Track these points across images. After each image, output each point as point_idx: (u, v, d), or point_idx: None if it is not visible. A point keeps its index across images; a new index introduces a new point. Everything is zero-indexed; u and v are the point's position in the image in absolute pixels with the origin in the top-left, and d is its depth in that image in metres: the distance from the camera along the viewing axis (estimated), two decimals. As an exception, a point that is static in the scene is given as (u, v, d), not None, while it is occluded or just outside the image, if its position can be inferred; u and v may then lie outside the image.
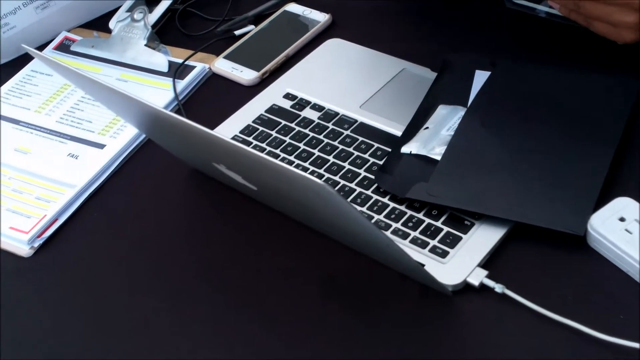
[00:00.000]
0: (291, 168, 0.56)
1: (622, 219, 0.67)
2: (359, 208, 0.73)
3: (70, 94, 0.93)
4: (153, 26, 0.98)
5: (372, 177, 0.76)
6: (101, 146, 0.85)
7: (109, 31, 1.00)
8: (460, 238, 0.69)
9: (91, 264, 0.75)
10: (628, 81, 0.79)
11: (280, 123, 0.83)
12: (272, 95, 0.87)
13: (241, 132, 0.83)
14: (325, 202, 0.59)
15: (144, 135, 0.86)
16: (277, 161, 0.56)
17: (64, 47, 0.99)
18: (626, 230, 0.67)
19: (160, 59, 0.94)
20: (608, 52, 0.83)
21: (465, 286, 0.67)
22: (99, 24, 1.02)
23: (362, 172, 0.76)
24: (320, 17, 0.96)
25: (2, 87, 0.95)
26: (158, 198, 0.80)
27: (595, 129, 0.75)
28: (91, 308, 0.71)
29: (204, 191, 0.79)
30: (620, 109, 0.77)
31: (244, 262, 0.72)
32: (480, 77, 0.82)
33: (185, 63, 0.93)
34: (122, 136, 0.86)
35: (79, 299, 0.72)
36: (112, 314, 0.71)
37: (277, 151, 0.80)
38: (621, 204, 0.69)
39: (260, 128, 0.83)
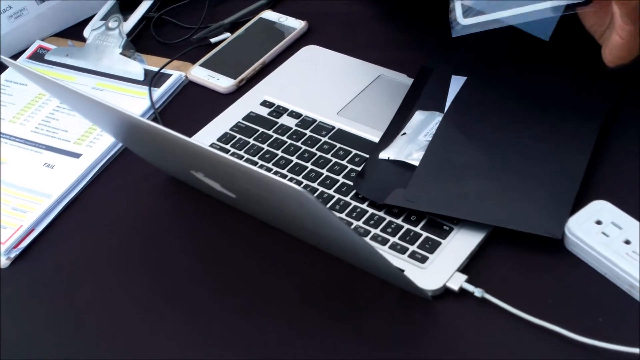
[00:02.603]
0: (270, 175, 0.56)
1: (598, 222, 0.68)
2: (338, 214, 0.73)
3: (45, 103, 0.92)
4: (128, 34, 0.97)
5: (351, 183, 0.76)
6: (77, 155, 0.85)
7: (83, 40, 0.99)
8: (439, 243, 0.69)
9: (68, 275, 0.74)
10: (604, 85, 0.80)
11: (258, 130, 0.83)
12: (249, 103, 0.87)
13: (219, 139, 0.83)
14: (305, 209, 0.59)
15: (120, 144, 0.85)
16: (255, 168, 0.56)
17: (38, 56, 0.98)
18: (603, 233, 0.67)
19: (135, 68, 0.93)
20: (587, 61, 0.84)
21: (445, 291, 0.67)
22: (74, 32, 1.02)
23: (341, 179, 0.77)
24: (297, 24, 0.96)
25: (-25, 97, 0.94)
26: (135, 207, 0.79)
27: (571, 131, 0.76)
28: (69, 318, 0.71)
29: (182, 199, 0.79)
30: (596, 113, 0.77)
31: (222, 270, 0.72)
32: (457, 83, 0.82)
33: (161, 71, 0.93)
34: (98, 145, 0.85)
35: (56, 310, 0.72)
36: (90, 324, 0.70)
37: (255, 158, 0.80)
38: (597, 207, 0.69)
39: (238, 135, 0.83)
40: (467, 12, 0.74)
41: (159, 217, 0.78)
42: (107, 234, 0.77)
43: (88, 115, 0.79)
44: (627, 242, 0.66)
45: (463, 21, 0.74)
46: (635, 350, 0.61)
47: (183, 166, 0.74)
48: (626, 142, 0.76)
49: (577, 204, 0.69)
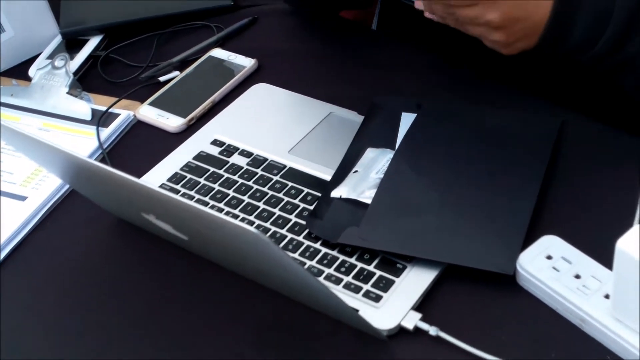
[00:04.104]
0: (223, 217, 0.55)
1: (549, 257, 0.69)
2: (291, 254, 0.72)
3: (-12, 144, 0.90)
4: (75, 73, 0.96)
5: (303, 222, 0.75)
6: (22, 198, 0.83)
7: (28, 79, 0.97)
8: (393, 282, 0.69)
9: (13, 323, 0.72)
10: (548, 119, 0.82)
11: (209, 170, 0.82)
12: (200, 142, 0.86)
13: (169, 180, 0.82)
14: (259, 251, 0.59)
15: (67, 186, 0.83)
16: (208, 210, 0.55)
17: (-19, 96, 0.96)
18: (553, 268, 0.68)
19: (82, 107, 0.92)
20: (529, 87, 0.86)
21: (400, 330, 0.67)
22: (18, 71, 1.00)
23: (293, 218, 0.76)
24: (246, 62, 0.96)
25: None
26: (82, 251, 0.77)
27: (519, 167, 0.77)
28: (15, 369, 0.69)
29: (132, 242, 0.77)
30: (542, 147, 0.79)
31: (175, 314, 0.71)
32: (407, 119, 0.83)
33: (109, 110, 0.92)
34: (44, 187, 0.83)
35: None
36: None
37: (206, 199, 0.79)
38: (547, 242, 0.70)
39: (188, 175, 0.82)
40: None
41: (108, 261, 0.77)
42: (53, 280, 0.75)
43: (34, 156, 0.78)
44: (577, 276, 0.67)
45: None
46: (588, 385, 0.61)
47: (133, 208, 0.73)
48: (573, 176, 0.78)
49: (528, 239, 0.70)
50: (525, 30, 0.74)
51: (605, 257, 0.66)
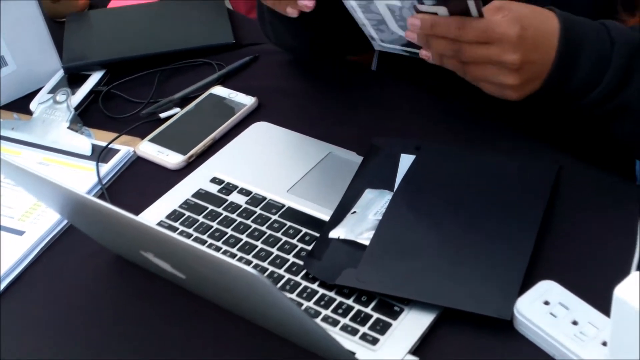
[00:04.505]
0: (223, 257, 0.55)
1: (546, 303, 0.69)
2: (288, 295, 0.72)
3: (-13, 177, 0.90)
4: (76, 108, 0.97)
5: (301, 262, 0.75)
6: (20, 233, 0.83)
7: (29, 113, 0.98)
8: (390, 324, 0.69)
9: (11, 358, 0.72)
10: (546, 164, 0.82)
11: (207, 208, 0.82)
12: (199, 180, 0.86)
13: (167, 217, 0.82)
14: (258, 292, 0.59)
15: (66, 221, 0.83)
16: (207, 249, 0.56)
17: (-18, 130, 0.97)
18: (551, 313, 0.68)
19: (83, 142, 0.92)
20: (527, 129, 0.87)
21: (397, 374, 0.67)
22: (20, 105, 1.00)
23: (291, 258, 0.76)
24: (247, 100, 0.96)
25: None
26: (80, 288, 0.77)
27: (517, 211, 0.77)
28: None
29: (129, 279, 0.77)
30: (540, 192, 0.79)
31: (170, 352, 0.70)
32: (406, 161, 0.83)
33: (110, 146, 0.92)
34: (42, 222, 0.83)
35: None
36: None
37: (204, 237, 0.79)
38: (545, 287, 0.70)
39: (187, 213, 0.82)
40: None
41: (103, 298, 0.76)
42: (49, 316, 0.75)
43: (33, 191, 0.78)
44: (575, 322, 0.67)
45: (381, 44, 0.81)
46: None
47: (131, 245, 0.73)
48: (570, 222, 0.78)
49: (525, 284, 0.70)
50: (536, 73, 0.74)
51: (602, 303, 0.66)
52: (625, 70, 0.75)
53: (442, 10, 0.71)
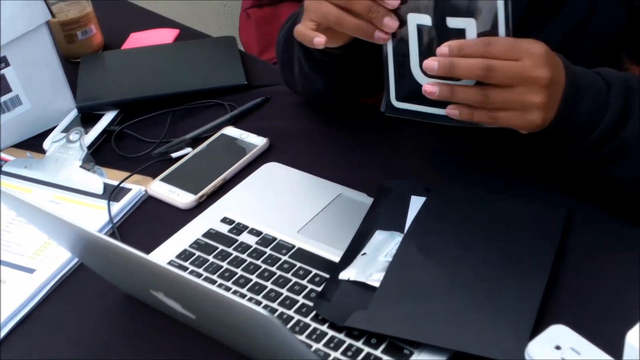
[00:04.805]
0: (234, 297, 0.55)
1: (557, 347, 0.68)
2: (297, 336, 0.72)
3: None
4: (89, 147, 0.97)
5: (311, 304, 0.75)
6: (31, 271, 0.83)
7: (42, 151, 0.99)
8: (400, 367, 0.69)
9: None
10: (556, 207, 0.82)
11: (218, 248, 0.83)
12: (209, 219, 0.87)
13: (177, 256, 0.82)
14: (268, 333, 0.58)
15: (76, 259, 0.84)
16: (220, 290, 0.56)
17: (-5, 168, 0.97)
18: (562, 358, 0.67)
19: (95, 181, 0.93)
20: (536, 174, 0.87)
21: (406, 418, 0.66)
22: (33, 144, 1.01)
23: (301, 299, 0.76)
24: (258, 141, 0.97)
25: None
26: (89, 327, 0.77)
27: (528, 254, 0.77)
28: None
29: (139, 318, 0.77)
30: (550, 235, 0.79)
31: (178, 394, 0.70)
32: (416, 203, 0.84)
33: (121, 185, 0.92)
34: (53, 260, 0.84)
35: None
36: None
37: (214, 277, 0.79)
38: (556, 332, 0.69)
39: (197, 253, 0.82)
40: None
41: (113, 337, 0.76)
42: (58, 355, 0.75)
43: (44, 228, 0.78)
44: (586, 367, 0.66)
45: (396, 103, 0.74)
46: None
47: (142, 284, 0.73)
48: (580, 266, 0.78)
49: (536, 328, 0.70)
50: (557, 94, 0.73)
51: (614, 348, 0.65)
52: (622, 109, 0.76)
53: (470, 29, 0.70)
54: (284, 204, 0.88)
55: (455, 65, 0.70)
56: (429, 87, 0.72)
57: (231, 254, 0.82)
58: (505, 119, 0.72)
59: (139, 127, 1.02)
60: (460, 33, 0.71)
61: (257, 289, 0.77)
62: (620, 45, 0.84)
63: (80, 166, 0.95)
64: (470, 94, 0.71)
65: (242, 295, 0.77)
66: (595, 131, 0.76)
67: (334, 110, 1.02)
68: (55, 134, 1.00)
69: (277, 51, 1.00)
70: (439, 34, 0.72)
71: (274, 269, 0.79)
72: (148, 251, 0.82)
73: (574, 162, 0.81)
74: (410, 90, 0.74)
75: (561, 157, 0.82)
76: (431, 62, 0.70)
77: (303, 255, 0.81)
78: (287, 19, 1.00)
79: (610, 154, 0.78)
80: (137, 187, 0.92)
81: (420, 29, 0.72)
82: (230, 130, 0.99)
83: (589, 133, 0.76)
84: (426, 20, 0.72)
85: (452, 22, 0.71)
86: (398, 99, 0.73)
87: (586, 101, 0.75)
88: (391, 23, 0.72)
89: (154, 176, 0.94)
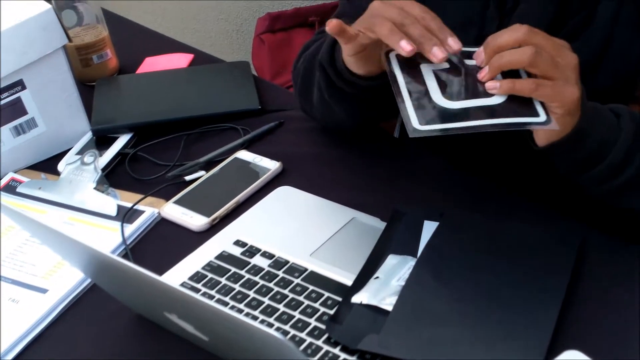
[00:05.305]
0: (248, 320, 0.55)
1: (572, 373, 0.68)
2: (310, 359, 0.72)
3: (13, 235, 0.91)
4: (103, 169, 0.98)
5: (323, 327, 0.75)
6: (44, 291, 0.83)
7: (57, 173, 0.99)
8: (413, 391, 0.68)
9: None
10: (570, 233, 0.82)
11: (230, 270, 0.83)
12: (222, 242, 0.87)
13: (190, 278, 0.82)
14: (282, 355, 0.58)
15: (89, 280, 0.84)
16: (233, 312, 0.56)
17: (10, 189, 0.98)
18: (577, 384, 0.67)
19: (108, 203, 0.94)
20: (548, 201, 0.87)
21: None
22: (48, 165, 1.02)
23: (313, 322, 0.76)
24: (271, 165, 0.97)
25: (-58, 227, 0.92)
26: (101, 348, 0.77)
27: (541, 280, 0.77)
28: None
29: (151, 340, 0.77)
30: (564, 261, 0.79)
31: (190, 416, 0.70)
32: (429, 228, 0.84)
33: (135, 207, 0.93)
34: (66, 281, 0.84)
35: None
36: None
37: (227, 299, 0.79)
38: (570, 357, 0.69)
39: (210, 275, 0.82)
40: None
41: (125, 359, 0.76)
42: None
43: (57, 249, 0.79)
44: (601, 394, 0.66)
45: (420, 127, 0.74)
46: None
47: (154, 306, 0.73)
48: (594, 291, 0.77)
49: (550, 354, 0.69)
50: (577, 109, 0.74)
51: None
52: (635, 135, 0.76)
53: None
54: (296, 227, 0.88)
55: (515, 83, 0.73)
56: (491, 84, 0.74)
57: (244, 277, 0.82)
58: (548, 85, 0.72)
59: (152, 150, 1.03)
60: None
61: (269, 311, 0.77)
62: (636, 74, 0.85)
63: (95, 188, 0.95)
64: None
65: (255, 318, 0.77)
66: (609, 156, 0.76)
67: (347, 135, 1.02)
68: (70, 156, 1.01)
69: (295, 79, 1.00)
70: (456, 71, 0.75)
71: (286, 291, 0.79)
72: (161, 273, 0.83)
73: (590, 192, 0.81)
74: (435, 114, 0.74)
75: (578, 188, 0.82)
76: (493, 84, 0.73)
77: (315, 278, 0.81)
78: (302, 47, 1.00)
79: (625, 182, 0.78)
80: (150, 210, 0.92)
81: (436, 72, 0.76)
82: (244, 154, 1.00)
83: (603, 158, 0.76)
84: (443, 65, 0.75)
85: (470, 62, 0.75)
86: (422, 123, 0.74)
87: (601, 124, 0.76)
88: (439, 53, 0.73)
89: (167, 199, 0.94)
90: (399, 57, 0.76)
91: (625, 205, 0.81)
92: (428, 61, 0.75)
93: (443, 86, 0.75)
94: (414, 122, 0.73)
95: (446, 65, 0.75)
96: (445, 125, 0.73)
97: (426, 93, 0.75)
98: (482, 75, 0.74)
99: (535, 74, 0.72)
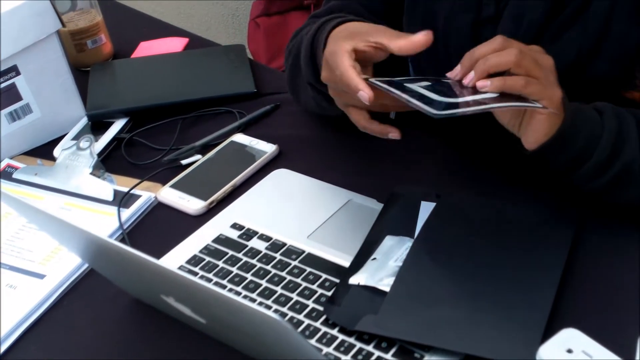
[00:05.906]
0: (245, 301, 0.55)
1: (569, 351, 0.68)
2: (308, 341, 0.72)
3: (10, 222, 0.91)
4: (99, 154, 0.98)
5: (321, 308, 0.75)
6: (41, 276, 0.83)
7: (53, 158, 0.99)
8: (411, 371, 0.68)
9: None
10: (566, 212, 0.82)
11: (227, 253, 0.83)
12: (219, 225, 0.87)
13: (187, 262, 0.82)
14: (279, 337, 0.58)
15: (86, 265, 0.84)
16: (231, 295, 0.56)
17: (6, 175, 0.98)
18: (574, 362, 0.67)
19: (105, 188, 0.93)
20: (547, 182, 0.87)
21: (418, 422, 0.66)
22: (43, 151, 1.02)
23: (311, 304, 0.76)
24: (267, 148, 0.97)
25: (-61, 214, 0.92)
26: (99, 332, 0.77)
27: (538, 259, 0.77)
28: None
29: (148, 323, 0.77)
30: (561, 239, 0.79)
31: (189, 399, 0.70)
32: (426, 209, 0.84)
33: (131, 192, 0.93)
34: (63, 266, 0.84)
35: None
36: None
37: (224, 282, 0.79)
38: (568, 335, 0.69)
39: (207, 258, 0.82)
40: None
41: (122, 342, 0.76)
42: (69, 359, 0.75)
43: (55, 234, 0.79)
44: (598, 371, 0.66)
45: (439, 113, 0.72)
46: None
47: (152, 289, 0.73)
48: (592, 269, 0.77)
49: (547, 332, 0.70)
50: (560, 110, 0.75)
51: (625, 351, 0.65)
52: (618, 133, 0.77)
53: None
54: (293, 209, 0.88)
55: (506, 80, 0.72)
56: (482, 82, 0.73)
57: (241, 259, 0.82)
58: (536, 82, 0.72)
59: (148, 134, 1.03)
60: None
61: (267, 293, 0.77)
62: (634, 62, 0.84)
63: (91, 173, 0.95)
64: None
65: (252, 300, 0.77)
66: (595, 153, 0.76)
67: (343, 117, 1.02)
68: (66, 142, 1.01)
69: (285, 68, 0.99)
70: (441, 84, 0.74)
71: (283, 274, 0.79)
72: (158, 257, 0.83)
73: (582, 190, 0.81)
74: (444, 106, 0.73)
75: (569, 185, 0.82)
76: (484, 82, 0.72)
77: (313, 260, 0.81)
78: (293, 34, 0.99)
79: (612, 180, 0.78)
80: (147, 194, 0.92)
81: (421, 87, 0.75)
82: (240, 137, 1.00)
83: (591, 155, 0.76)
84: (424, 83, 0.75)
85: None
86: (439, 110, 0.73)
87: (586, 121, 0.76)
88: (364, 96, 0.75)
89: (163, 183, 0.94)
90: (381, 80, 0.76)
91: (617, 200, 0.81)
92: (410, 82, 0.74)
93: (436, 92, 0.74)
94: (432, 110, 0.72)
95: (427, 83, 0.74)
96: (457, 110, 0.72)
97: (425, 95, 0.74)
98: (467, 80, 0.73)
99: (520, 74, 0.72)
